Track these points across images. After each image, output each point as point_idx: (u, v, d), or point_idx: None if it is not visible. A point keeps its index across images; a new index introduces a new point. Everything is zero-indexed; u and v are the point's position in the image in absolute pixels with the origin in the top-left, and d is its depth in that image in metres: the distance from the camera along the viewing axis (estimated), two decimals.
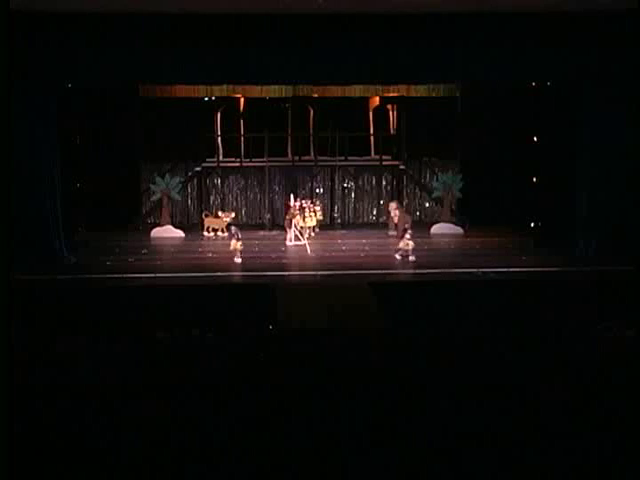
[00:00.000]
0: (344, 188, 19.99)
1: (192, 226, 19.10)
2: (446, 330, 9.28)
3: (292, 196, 18.23)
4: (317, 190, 19.81)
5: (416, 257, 15.52)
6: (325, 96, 18.98)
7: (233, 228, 15.85)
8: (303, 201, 17.98)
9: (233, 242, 15.46)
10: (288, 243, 17.18)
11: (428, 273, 14.62)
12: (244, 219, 19.77)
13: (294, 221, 17.35)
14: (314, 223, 17.95)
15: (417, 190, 20.27)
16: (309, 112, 19.73)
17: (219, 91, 18.58)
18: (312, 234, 17.73)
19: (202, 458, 5.57)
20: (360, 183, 20.16)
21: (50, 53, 14.65)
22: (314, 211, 17.97)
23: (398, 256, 15.66)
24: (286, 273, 14.74)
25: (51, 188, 15.20)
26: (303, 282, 14.31)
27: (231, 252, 15.42)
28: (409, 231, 15.78)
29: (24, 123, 14.36)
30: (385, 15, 14.73)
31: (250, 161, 19.58)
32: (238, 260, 15.34)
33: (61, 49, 14.67)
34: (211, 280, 14.09)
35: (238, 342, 8.64)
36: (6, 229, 5.38)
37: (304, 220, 17.50)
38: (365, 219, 20.23)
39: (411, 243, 15.64)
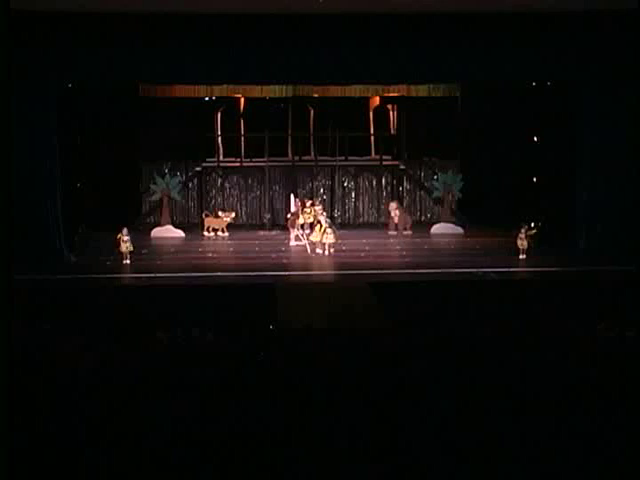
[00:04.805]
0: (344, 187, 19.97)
1: (192, 226, 19.09)
2: (446, 330, 9.28)
3: (292, 196, 18.24)
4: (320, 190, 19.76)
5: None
6: (325, 96, 18.98)
7: (124, 230, 15.39)
8: (315, 206, 17.78)
9: (122, 245, 15.23)
10: (291, 243, 17.15)
11: (428, 273, 14.61)
12: (244, 219, 19.78)
13: (297, 221, 17.29)
14: (333, 240, 16.24)
15: (417, 190, 20.27)
16: (309, 112, 19.73)
17: (219, 91, 18.58)
18: (330, 251, 16.15)
19: (202, 458, 5.57)
20: (360, 183, 20.16)
21: (50, 53, 14.67)
22: (330, 227, 16.44)
23: (522, 256, 15.59)
24: (286, 273, 14.73)
25: (51, 188, 15.21)
26: (303, 282, 14.31)
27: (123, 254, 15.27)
28: (523, 229, 15.63)
29: (24, 123, 14.36)
30: (385, 15, 14.74)
31: (250, 161, 19.59)
32: (127, 262, 15.26)
33: (61, 49, 14.69)
34: (211, 280, 14.09)
35: (238, 342, 8.64)
36: (6, 229, 5.37)
37: (313, 230, 16.69)
38: (365, 219, 20.22)
39: (525, 243, 15.58)
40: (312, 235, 16.63)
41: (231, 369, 7.21)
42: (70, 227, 16.17)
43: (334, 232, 16.28)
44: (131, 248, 15.32)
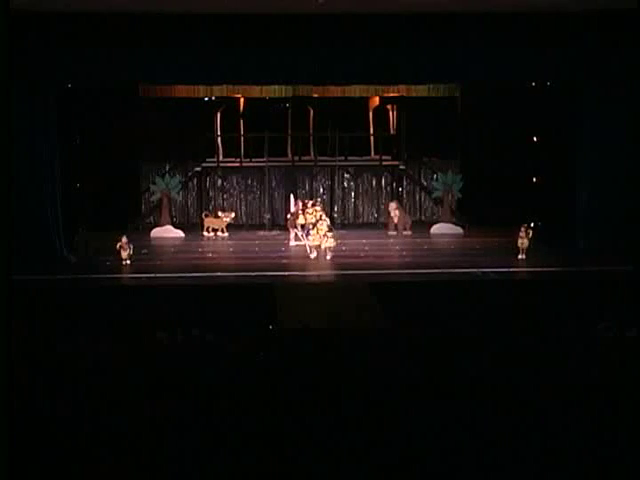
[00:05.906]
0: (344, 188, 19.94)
1: (192, 226, 19.09)
2: (446, 330, 9.28)
3: (292, 197, 18.22)
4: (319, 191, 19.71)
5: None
6: (325, 96, 18.96)
7: (124, 238, 15.26)
8: (315, 206, 17.60)
9: (123, 252, 15.11)
10: (291, 243, 17.13)
11: (428, 273, 14.61)
12: (244, 219, 19.77)
13: (297, 221, 17.23)
14: (333, 244, 15.77)
15: (417, 190, 20.26)
16: (309, 112, 19.72)
17: (219, 91, 18.55)
18: (329, 255, 15.75)
19: (202, 458, 5.57)
20: (360, 183, 20.14)
21: (50, 53, 14.66)
22: (329, 229, 16.03)
23: (522, 256, 15.52)
24: (286, 273, 14.73)
25: (51, 188, 15.21)
26: (303, 282, 14.31)
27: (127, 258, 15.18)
28: (523, 229, 15.56)
29: (24, 123, 14.36)
30: (385, 15, 14.74)
31: (250, 161, 19.58)
32: (127, 262, 15.15)
33: (61, 49, 14.69)
34: (211, 280, 14.09)
35: (238, 342, 8.64)
36: (6, 229, 5.37)
37: (318, 235, 15.99)
38: (365, 219, 20.21)
39: (526, 242, 15.49)
40: (311, 238, 16.24)
41: (231, 369, 7.21)
42: (70, 227, 16.16)
43: (333, 235, 15.97)
44: (131, 253, 15.28)
